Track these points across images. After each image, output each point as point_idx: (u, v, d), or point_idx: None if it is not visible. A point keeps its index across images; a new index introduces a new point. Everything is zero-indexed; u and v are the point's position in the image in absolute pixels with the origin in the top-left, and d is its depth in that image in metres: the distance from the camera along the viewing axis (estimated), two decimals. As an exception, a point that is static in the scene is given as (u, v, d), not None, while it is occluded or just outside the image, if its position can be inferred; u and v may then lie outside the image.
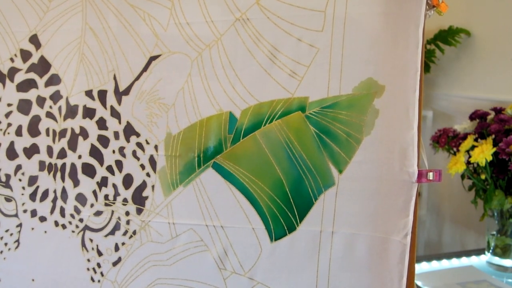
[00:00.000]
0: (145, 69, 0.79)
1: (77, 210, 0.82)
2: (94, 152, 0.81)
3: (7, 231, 0.86)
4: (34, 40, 0.85)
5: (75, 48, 0.83)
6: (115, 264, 0.81)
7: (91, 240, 0.82)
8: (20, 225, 0.85)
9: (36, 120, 0.84)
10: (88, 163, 0.81)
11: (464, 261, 1.33)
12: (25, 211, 0.84)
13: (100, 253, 0.82)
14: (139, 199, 0.80)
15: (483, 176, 1.26)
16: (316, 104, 0.73)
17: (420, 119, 0.70)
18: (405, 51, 0.69)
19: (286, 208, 0.74)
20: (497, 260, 1.29)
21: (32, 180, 0.84)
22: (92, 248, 0.82)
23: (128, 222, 0.81)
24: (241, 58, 0.75)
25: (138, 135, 0.80)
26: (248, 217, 0.75)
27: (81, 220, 0.82)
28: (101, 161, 0.81)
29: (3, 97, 0.86)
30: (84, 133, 0.82)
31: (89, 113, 0.82)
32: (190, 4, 0.77)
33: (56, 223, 0.83)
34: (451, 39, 1.61)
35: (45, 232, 0.84)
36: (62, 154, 0.83)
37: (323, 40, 0.72)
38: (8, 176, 0.85)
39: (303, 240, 0.74)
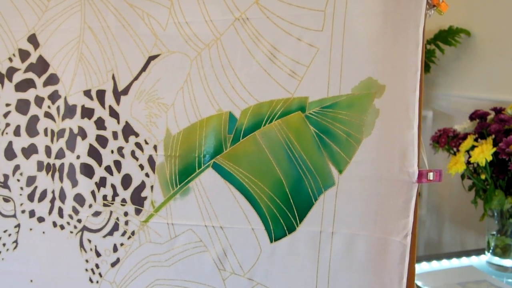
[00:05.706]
0: (144, 69, 0.79)
1: (76, 211, 0.82)
2: (93, 152, 0.81)
3: (5, 231, 0.85)
4: (33, 39, 0.84)
5: (73, 47, 0.82)
6: (113, 264, 0.81)
7: (90, 241, 0.82)
8: (18, 225, 0.85)
9: (34, 120, 0.83)
10: (87, 163, 0.81)
11: (464, 261, 1.33)
12: (23, 211, 0.84)
13: (98, 254, 0.82)
14: (137, 200, 0.80)
15: (483, 176, 1.25)
16: (316, 104, 0.72)
17: (420, 119, 0.70)
18: (405, 50, 0.69)
19: (285, 208, 0.74)
20: (497, 260, 1.28)
21: (30, 180, 0.84)
22: (91, 249, 0.82)
23: (126, 223, 0.80)
24: (241, 57, 0.75)
25: (137, 135, 0.80)
26: (247, 217, 0.75)
27: (79, 221, 0.82)
28: (99, 161, 0.81)
29: (1, 97, 0.85)
30: (82, 133, 0.81)
31: (87, 113, 0.81)
32: (189, 3, 0.77)
33: (55, 224, 0.83)
34: (451, 39, 1.61)
35: (43, 232, 0.83)
36: (60, 154, 0.82)
37: (323, 39, 0.72)
38: (6, 176, 0.85)
39: (303, 240, 0.73)
